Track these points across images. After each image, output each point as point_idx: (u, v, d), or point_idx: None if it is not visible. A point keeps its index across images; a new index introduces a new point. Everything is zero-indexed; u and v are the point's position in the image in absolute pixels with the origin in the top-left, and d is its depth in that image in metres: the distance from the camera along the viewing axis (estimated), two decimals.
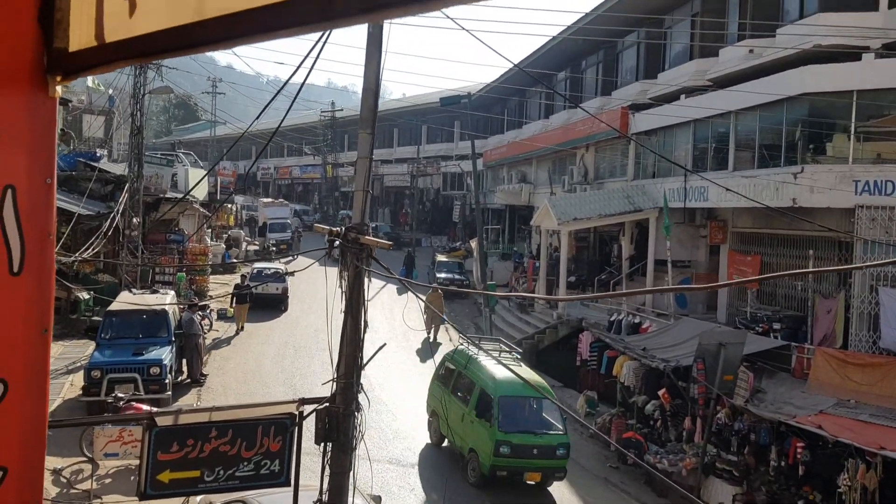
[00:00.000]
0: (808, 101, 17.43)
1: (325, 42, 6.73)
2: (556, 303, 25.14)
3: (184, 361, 18.67)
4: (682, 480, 14.91)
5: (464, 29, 7.67)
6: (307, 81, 7.55)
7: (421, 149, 54.68)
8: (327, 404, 6.70)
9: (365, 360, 6.75)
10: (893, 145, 16.73)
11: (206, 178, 40.68)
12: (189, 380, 18.76)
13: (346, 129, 65.04)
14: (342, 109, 60.95)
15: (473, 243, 31.60)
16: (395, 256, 42.47)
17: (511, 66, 22.18)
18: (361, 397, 6.84)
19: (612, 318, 21.75)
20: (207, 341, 21.18)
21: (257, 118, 11.59)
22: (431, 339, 22.87)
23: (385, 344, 7.26)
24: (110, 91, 37.44)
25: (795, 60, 17.95)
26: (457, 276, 32.69)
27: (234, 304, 24.50)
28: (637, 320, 21.06)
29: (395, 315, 24.23)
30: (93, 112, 42.81)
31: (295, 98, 7.65)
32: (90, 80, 44.93)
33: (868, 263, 15.08)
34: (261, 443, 6.56)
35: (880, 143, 17.00)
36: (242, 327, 24.17)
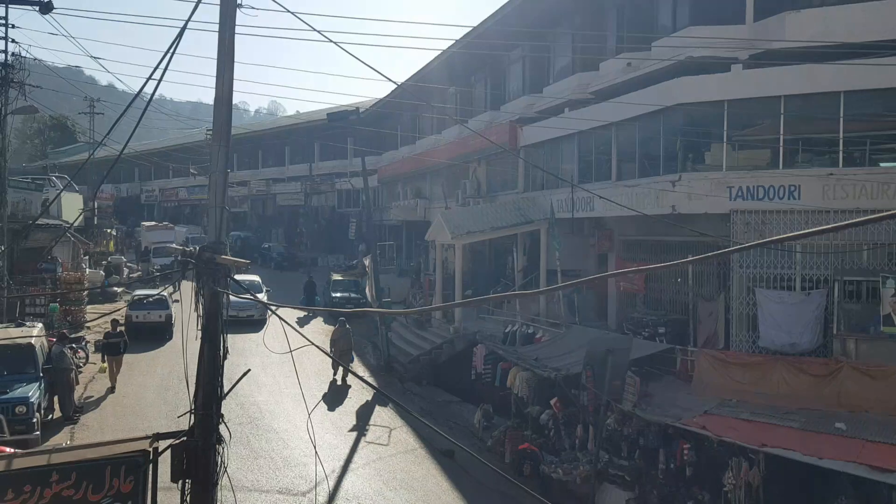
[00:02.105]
0: (684, 110, 18.01)
1: (173, 52, 6.28)
2: (453, 317, 24.99)
3: (55, 398, 17.41)
4: (577, 489, 14.97)
5: (332, 41, 7.37)
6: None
7: (314, 166, 53.85)
8: (184, 438, 6.18)
9: (226, 389, 6.26)
10: (765, 153, 17.46)
11: (83, 202, 38.66)
12: (62, 417, 17.49)
13: (235, 148, 63.32)
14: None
15: (367, 261, 31.17)
16: (293, 279, 41.58)
17: (399, 81, 22.12)
18: (223, 429, 6.34)
19: (506, 330, 21.77)
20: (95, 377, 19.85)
21: (129, 138, 10.79)
22: (339, 382, 21.80)
23: (249, 370, 6.80)
24: None
25: (670, 72, 18.54)
26: (353, 295, 32.13)
27: (104, 358, 20.55)
28: (531, 330, 21.15)
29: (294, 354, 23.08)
30: None
31: (142, 116, 7.09)
32: None
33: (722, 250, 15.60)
34: (110, 484, 5.96)
35: (754, 151, 17.72)
36: (113, 387, 20.02)
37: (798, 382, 14.19)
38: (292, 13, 7.34)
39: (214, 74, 6.41)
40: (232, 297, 24.19)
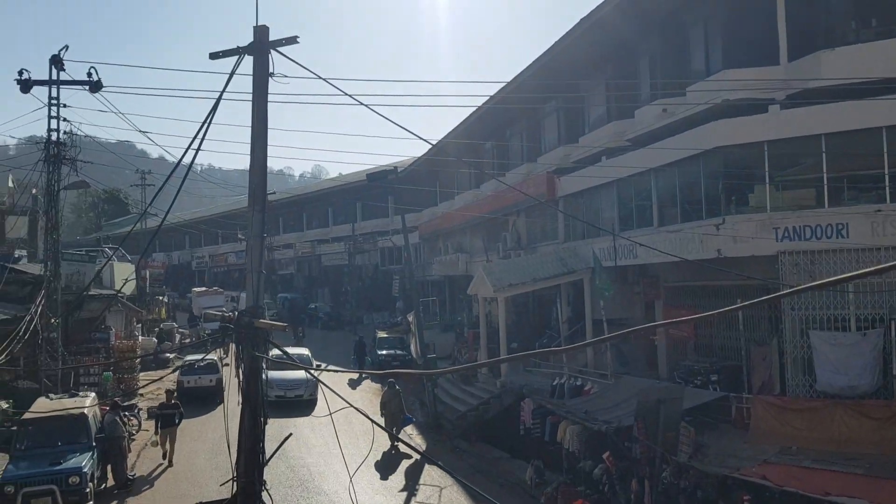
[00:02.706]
0: (723, 153, 17.86)
1: (208, 124, 6.50)
2: (499, 372, 24.73)
3: (108, 467, 17.59)
4: None
5: (363, 104, 7.54)
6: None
7: (356, 226, 54.58)
8: None
9: (268, 456, 6.25)
10: (810, 192, 17.14)
11: (137, 271, 39.65)
12: (115, 486, 17.62)
13: (279, 211, 64.64)
14: (275, 192, 60.67)
15: (411, 317, 31.17)
16: (340, 338, 41.83)
17: (435, 138, 22.53)
18: (266, 496, 6.31)
19: (554, 383, 21.44)
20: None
21: (169, 209, 11.07)
22: (393, 451, 20.59)
23: (290, 434, 6.78)
24: (34, 190, 36.42)
25: (707, 116, 18.46)
26: (398, 352, 32.09)
27: (157, 429, 19.65)
28: (579, 382, 20.80)
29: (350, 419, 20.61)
30: (16, 213, 41.53)
31: (181, 185, 7.31)
32: (10, 181, 43.85)
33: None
34: None
35: (799, 190, 17.42)
36: (170, 461, 19.37)
37: (859, 426, 13.63)
38: (323, 79, 7.54)
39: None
40: (278, 375, 23.02)
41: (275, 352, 6.70)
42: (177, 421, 19.67)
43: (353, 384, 29.60)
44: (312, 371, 18.40)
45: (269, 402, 21.18)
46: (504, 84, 27.22)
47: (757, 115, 17.38)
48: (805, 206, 16.86)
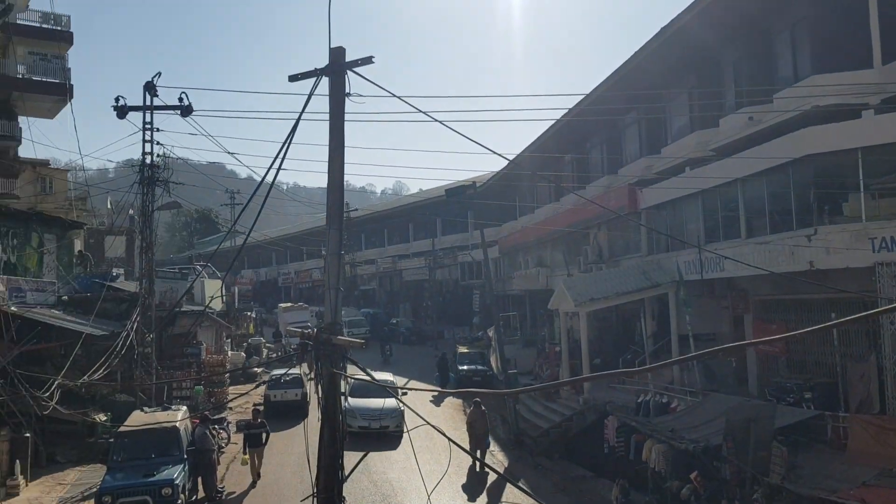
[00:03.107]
0: (814, 161, 17.18)
1: (289, 144, 6.67)
2: (582, 388, 24.34)
3: (199, 479, 18.12)
4: None
5: (436, 120, 7.58)
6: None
7: (436, 241, 54.99)
8: None
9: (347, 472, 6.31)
10: None
11: (223, 287, 40.97)
12: (205, 498, 18.14)
13: (361, 228, 65.76)
14: (357, 210, 61.79)
15: (491, 332, 31.04)
16: (421, 353, 42.08)
17: (515, 152, 22.49)
18: None
19: (639, 400, 20.97)
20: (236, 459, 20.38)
21: (252, 227, 11.41)
22: (478, 469, 20.02)
23: (367, 453, 6.83)
24: (130, 211, 38.17)
25: (795, 123, 17.81)
26: (479, 368, 32.00)
27: (245, 449, 19.69)
28: (665, 399, 20.26)
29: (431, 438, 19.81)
30: (114, 232, 43.68)
31: (264, 203, 7.53)
32: (108, 203, 46.15)
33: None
34: None
35: None
36: (258, 475, 19.55)
37: None
38: (398, 97, 7.62)
39: (347, 162, 6.70)
40: (362, 404, 22.97)
41: (356, 372, 6.74)
42: (264, 441, 19.72)
43: (437, 400, 29.62)
44: (396, 393, 18.13)
45: (352, 433, 21.26)
46: (583, 96, 27.00)
47: (850, 121, 16.65)
48: None
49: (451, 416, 26.91)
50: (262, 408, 22.79)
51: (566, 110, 28.97)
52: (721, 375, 21.22)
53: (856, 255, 15.88)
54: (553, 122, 30.28)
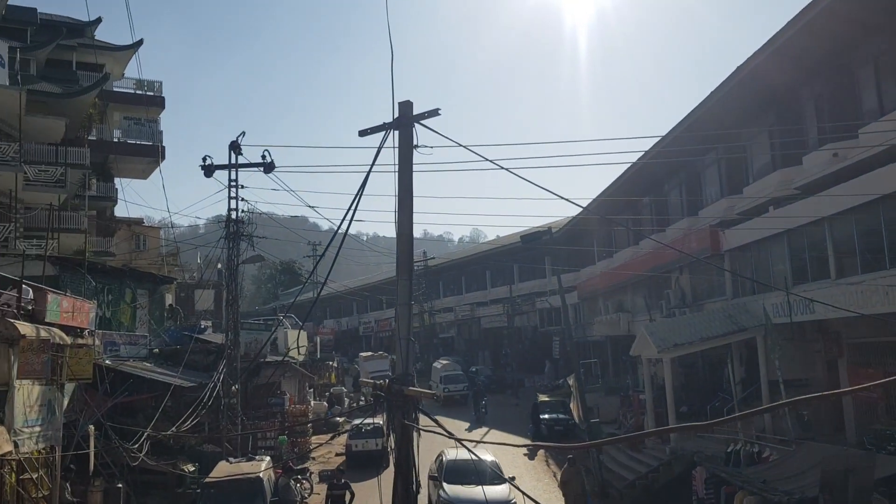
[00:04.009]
0: None
1: (360, 196, 6.84)
2: (669, 437, 23.53)
3: None
4: None
5: (504, 168, 7.63)
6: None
7: (514, 287, 54.72)
8: None
9: None
10: None
11: (306, 338, 41.77)
12: None
13: (439, 276, 66.17)
14: (434, 258, 62.26)
15: (572, 380, 30.40)
16: (502, 402, 41.55)
17: (591, 195, 22.30)
18: None
19: (728, 449, 20.08)
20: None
21: (326, 277, 11.71)
22: None
23: None
24: (218, 265, 39.55)
25: (884, 158, 17.13)
26: (561, 416, 31.32)
27: None
28: (756, 449, 19.34)
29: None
30: (203, 286, 45.34)
31: (339, 249, 7.69)
32: (198, 258, 48.03)
33: None
34: None
35: None
36: None
37: None
38: (465, 147, 7.74)
39: (422, 212, 6.85)
40: (464, 494, 20.05)
41: (449, 446, 6.65)
42: (348, 502, 18.96)
43: (532, 453, 28.30)
44: (502, 474, 15.90)
45: None
46: (658, 139, 26.68)
47: None
48: None
49: (543, 469, 26.18)
50: (344, 467, 22.70)
51: (641, 153, 28.69)
52: (815, 423, 20.20)
53: None
54: (628, 164, 30.00)
